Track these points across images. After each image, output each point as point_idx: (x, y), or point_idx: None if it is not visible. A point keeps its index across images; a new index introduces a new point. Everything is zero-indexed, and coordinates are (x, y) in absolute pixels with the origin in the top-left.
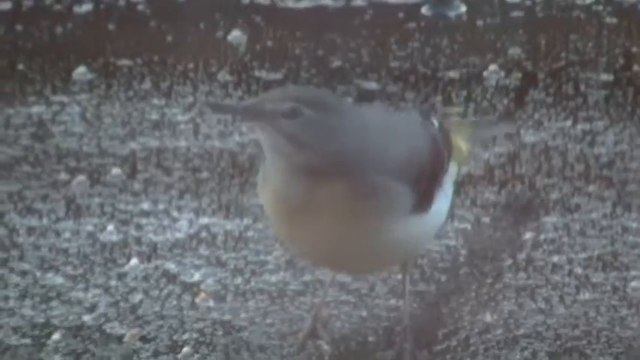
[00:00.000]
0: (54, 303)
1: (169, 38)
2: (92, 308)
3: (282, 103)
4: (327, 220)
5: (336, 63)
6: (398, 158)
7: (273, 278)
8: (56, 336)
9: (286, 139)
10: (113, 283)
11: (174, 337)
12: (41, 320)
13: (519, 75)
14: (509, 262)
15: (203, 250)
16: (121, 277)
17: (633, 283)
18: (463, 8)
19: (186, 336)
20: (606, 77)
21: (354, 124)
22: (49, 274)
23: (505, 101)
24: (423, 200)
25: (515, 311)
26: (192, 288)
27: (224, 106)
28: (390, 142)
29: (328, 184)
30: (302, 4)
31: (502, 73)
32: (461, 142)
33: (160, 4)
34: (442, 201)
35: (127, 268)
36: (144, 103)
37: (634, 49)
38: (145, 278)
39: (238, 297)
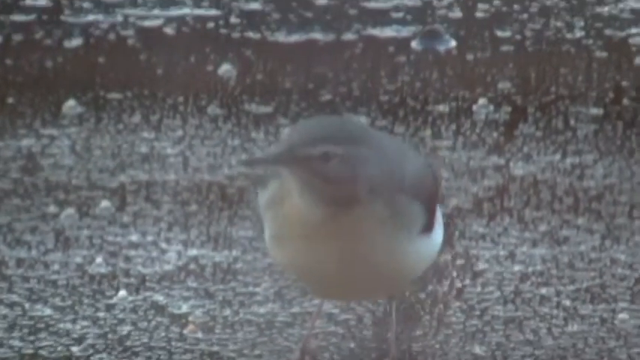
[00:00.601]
0: (42, 334)
1: (159, 72)
2: (80, 340)
3: (313, 147)
4: (350, 239)
5: (326, 96)
6: (414, 178)
7: (262, 310)
8: None
9: (320, 180)
10: (101, 314)
11: None
12: (30, 351)
13: (509, 109)
14: (497, 294)
15: (191, 282)
16: (109, 308)
17: (621, 315)
18: (453, 42)
19: None
20: (596, 111)
21: (377, 149)
22: (38, 306)
23: (494, 135)
24: (430, 221)
25: (504, 343)
26: (180, 319)
27: (256, 160)
28: (405, 163)
29: (355, 207)
30: (292, 38)
31: (492, 107)
32: None
33: (150, 38)
34: (440, 224)
35: (115, 299)
36: (133, 136)
37: (624, 83)
38: (134, 310)
39: (227, 328)
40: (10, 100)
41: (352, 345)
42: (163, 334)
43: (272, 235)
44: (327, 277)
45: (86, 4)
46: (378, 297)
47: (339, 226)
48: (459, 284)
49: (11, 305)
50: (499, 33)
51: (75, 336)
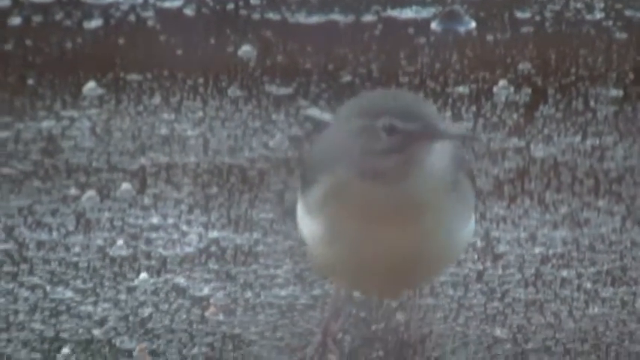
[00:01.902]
0: (63, 317)
1: (179, 53)
2: (102, 322)
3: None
4: (423, 217)
5: (346, 78)
6: (462, 156)
7: (283, 292)
8: (66, 350)
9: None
10: (123, 297)
11: (184, 352)
12: (51, 334)
13: (529, 90)
14: (518, 276)
15: (212, 264)
16: (130, 291)
17: None
18: (473, 23)
19: (195, 350)
20: (616, 92)
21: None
22: (59, 288)
23: (515, 116)
24: None
25: (524, 325)
26: (201, 302)
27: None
28: None
29: (422, 184)
30: (312, 19)
31: (512, 89)
32: None
33: (170, 19)
34: None
35: (136, 282)
36: (153, 117)
37: None
38: (155, 292)
39: (248, 311)
40: (30, 82)
41: (374, 327)
42: (184, 316)
43: (331, 230)
44: (393, 263)
45: None
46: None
47: (407, 201)
48: (479, 266)
49: (32, 288)
50: (519, 14)
51: (96, 318)
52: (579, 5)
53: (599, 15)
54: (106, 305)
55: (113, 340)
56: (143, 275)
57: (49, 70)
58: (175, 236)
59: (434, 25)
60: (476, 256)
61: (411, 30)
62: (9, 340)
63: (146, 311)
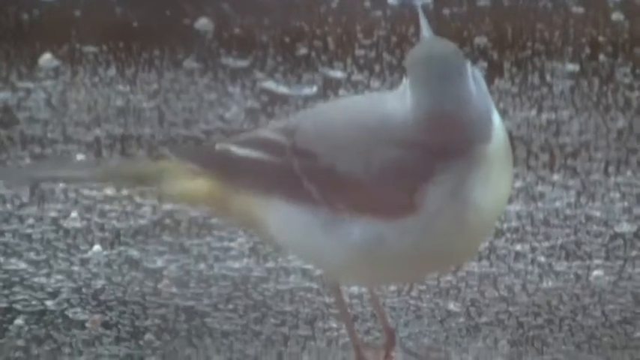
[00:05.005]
0: (17, 288)
1: (135, 25)
2: (55, 294)
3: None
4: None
5: (303, 51)
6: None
7: (237, 264)
8: (19, 321)
9: None
10: (76, 269)
11: (137, 323)
12: (4, 305)
13: (485, 64)
14: None
15: (166, 237)
16: (83, 263)
17: (596, 272)
18: None
19: (148, 322)
20: (572, 67)
21: None
22: (13, 260)
23: None
24: None
25: (478, 299)
26: (155, 274)
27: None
28: None
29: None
30: None
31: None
32: None
33: None
34: None
35: (89, 254)
36: (109, 89)
37: (600, 39)
38: (108, 264)
39: (201, 283)
40: None
41: (327, 300)
42: (137, 288)
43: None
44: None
45: None
46: None
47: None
48: None
49: None
50: None
51: (49, 290)
52: None
53: None
54: (60, 277)
55: (66, 312)
56: (96, 247)
57: (4, 42)
58: (129, 208)
59: None
60: None
61: (367, 3)
62: None
63: (99, 283)
